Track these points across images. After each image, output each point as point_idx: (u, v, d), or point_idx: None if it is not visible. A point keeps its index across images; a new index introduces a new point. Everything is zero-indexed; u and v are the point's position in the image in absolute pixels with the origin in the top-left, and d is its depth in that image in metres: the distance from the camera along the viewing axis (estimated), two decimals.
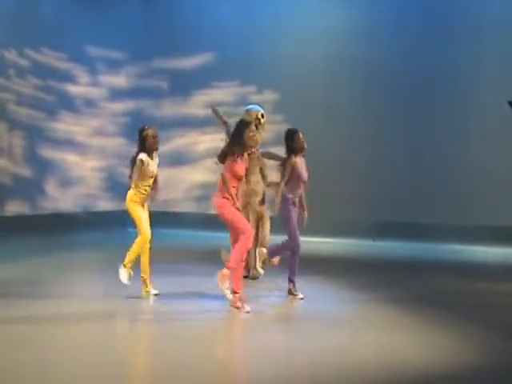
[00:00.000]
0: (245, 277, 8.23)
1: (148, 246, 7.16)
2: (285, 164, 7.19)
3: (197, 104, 13.03)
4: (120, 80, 13.39)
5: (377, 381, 4.58)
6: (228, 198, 6.44)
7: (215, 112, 8.49)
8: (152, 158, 7.17)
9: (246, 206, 8.16)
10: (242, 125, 6.63)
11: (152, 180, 7.21)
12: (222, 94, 12.75)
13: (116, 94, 13.33)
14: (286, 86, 12.23)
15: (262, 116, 8.32)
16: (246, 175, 8.16)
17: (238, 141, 6.55)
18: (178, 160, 13.14)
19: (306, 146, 7.28)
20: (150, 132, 7.14)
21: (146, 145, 7.11)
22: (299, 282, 7.28)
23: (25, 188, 11.56)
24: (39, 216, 11.71)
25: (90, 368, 4.67)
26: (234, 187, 6.52)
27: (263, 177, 8.36)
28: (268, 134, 11.60)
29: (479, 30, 11.29)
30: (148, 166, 7.07)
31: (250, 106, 8.63)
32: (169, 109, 13.30)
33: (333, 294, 7.43)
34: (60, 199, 12.34)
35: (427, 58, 11.55)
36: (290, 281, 7.20)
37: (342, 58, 12.03)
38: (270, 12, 12.52)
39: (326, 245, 11.10)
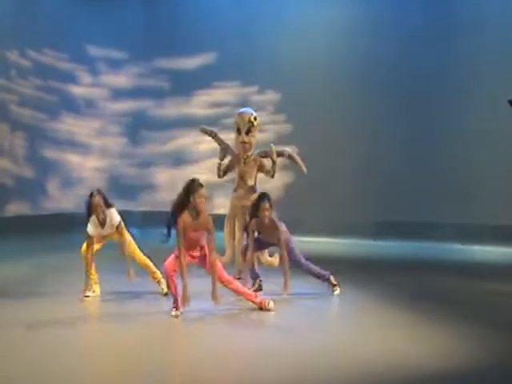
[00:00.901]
0: (238, 278, 8.35)
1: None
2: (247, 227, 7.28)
3: (198, 104, 13.05)
4: (121, 80, 13.40)
5: (377, 379, 4.58)
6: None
7: (205, 132, 8.64)
8: (102, 223, 7.03)
9: (242, 209, 8.21)
10: (190, 188, 6.21)
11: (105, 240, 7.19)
12: (224, 94, 12.76)
13: (117, 94, 13.35)
14: (288, 86, 12.24)
15: (255, 118, 8.32)
16: (242, 178, 8.29)
17: (184, 206, 6.23)
18: (179, 160, 13.16)
19: (266, 219, 7.10)
20: (94, 200, 6.93)
21: (90, 212, 6.99)
22: (300, 281, 7.30)
23: (26, 188, 11.59)
24: (41, 216, 11.73)
25: (92, 368, 4.68)
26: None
27: (267, 172, 8.36)
28: (269, 134, 11.67)
29: (479, 27, 11.27)
30: (98, 231, 7.05)
31: (243, 109, 8.63)
32: (170, 109, 13.31)
33: (333, 294, 7.43)
34: (62, 199, 12.37)
35: (428, 56, 11.54)
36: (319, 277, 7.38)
37: (343, 58, 12.03)
38: (272, 12, 12.52)
39: (326, 245, 11.08)
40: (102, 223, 6.98)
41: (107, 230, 7.05)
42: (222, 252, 8.64)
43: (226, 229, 8.40)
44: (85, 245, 7.11)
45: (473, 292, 7.91)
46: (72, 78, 12.62)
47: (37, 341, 5.33)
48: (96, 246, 7.15)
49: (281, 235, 7.11)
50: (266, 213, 7.04)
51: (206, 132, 8.73)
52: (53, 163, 12.19)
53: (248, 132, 8.25)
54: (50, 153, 12.11)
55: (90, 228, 6.97)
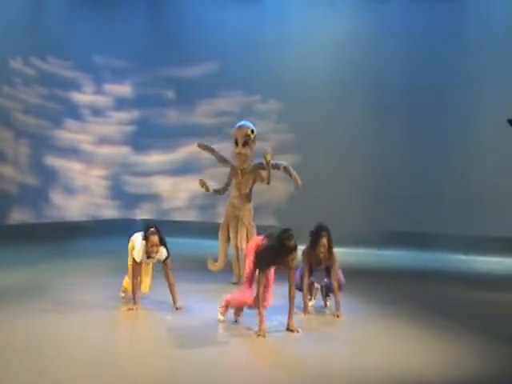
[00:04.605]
0: (234, 283, 8.42)
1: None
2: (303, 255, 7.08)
3: (202, 113, 13.06)
4: (125, 89, 13.43)
5: None
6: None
7: (204, 148, 8.89)
8: (149, 256, 6.90)
9: (235, 218, 8.51)
10: (286, 249, 5.88)
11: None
12: (227, 103, 12.78)
13: (121, 103, 13.38)
14: (291, 95, 12.26)
15: (252, 132, 8.57)
16: (238, 188, 8.55)
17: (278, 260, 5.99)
18: (182, 169, 13.17)
19: (321, 255, 6.93)
20: (153, 239, 6.77)
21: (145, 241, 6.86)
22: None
23: (30, 196, 11.61)
24: (44, 224, 11.74)
25: (94, 376, 4.68)
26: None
27: (262, 180, 8.57)
28: (272, 143, 11.68)
29: (485, 41, 11.33)
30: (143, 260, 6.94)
31: (241, 123, 8.81)
32: (174, 118, 13.34)
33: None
34: (65, 207, 12.39)
35: (434, 69, 11.58)
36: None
37: (347, 67, 12.06)
38: (275, 22, 12.55)
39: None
40: (149, 256, 6.88)
41: (152, 261, 6.98)
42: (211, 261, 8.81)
43: (221, 236, 8.73)
44: (130, 270, 6.93)
45: (475, 303, 7.89)
46: (76, 87, 12.65)
47: (39, 347, 5.33)
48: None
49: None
50: (322, 249, 6.89)
51: (203, 147, 9.08)
52: (56, 171, 12.21)
53: (245, 144, 8.55)
54: (53, 161, 12.13)
55: (138, 255, 6.84)
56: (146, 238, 6.77)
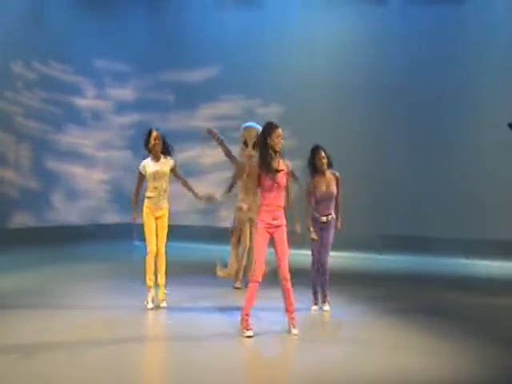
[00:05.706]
0: (237, 288, 8.40)
1: (162, 258, 7.27)
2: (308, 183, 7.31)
3: (203, 117, 13.06)
4: (126, 93, 13.45)
5: None
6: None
7: (212, 133, 8.71)
8: (157, 161, 7.31)
9: (249, 221, 8.43)
10: (266, 130, 6.26)
11: (160, 182, 7.37)
12: (228, 107, 12.78)
13: (122, 107, 13.40)
14: (292, 98, 12.26)
15: None
16: (246, 191, 8.44)
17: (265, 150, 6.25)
18: (183, 173, 13.12)
19: (324, 166, 7.31)
20: (154, 135, 7.41)
21: (146, 146, 7.37)
22: (305, 294, 7.30)
23: (31, 200, 11.62)
24: (45, 228, 11.75)
25: (94, 377, 4.68)
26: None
27: None
28: None
29: (486, 44, 11.33)
30: (147, 169, 7.29)
31: (249, 124, 8.76)
32: (175, 122, 13.34)
33: (339, 307, 7.40)
34: (66, 211, 12.39)
35: (434, 70, 11.59)
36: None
37: (349, 71, 12.05)
38: (276, 25, 12.57)
39: (332, 258, 11.05)
40: (157, 159, 7.33)
41: (160, 166, 7.35)
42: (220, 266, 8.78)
43: (233, 244, 8.59)
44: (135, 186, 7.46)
45: (477, 306, 7.88)
46: (77, 91, 12.68)
47: (39, 348, 5.32)
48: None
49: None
50: (323, 160, 7.21)
51: (212, 133, 8.72)
52: (57, 175, 12.23)
53: (255, 146, 8.42)
54: (54, 165, 12.15)
55: (143, 167, 7.38)
56: (148, 133, 7.33)
